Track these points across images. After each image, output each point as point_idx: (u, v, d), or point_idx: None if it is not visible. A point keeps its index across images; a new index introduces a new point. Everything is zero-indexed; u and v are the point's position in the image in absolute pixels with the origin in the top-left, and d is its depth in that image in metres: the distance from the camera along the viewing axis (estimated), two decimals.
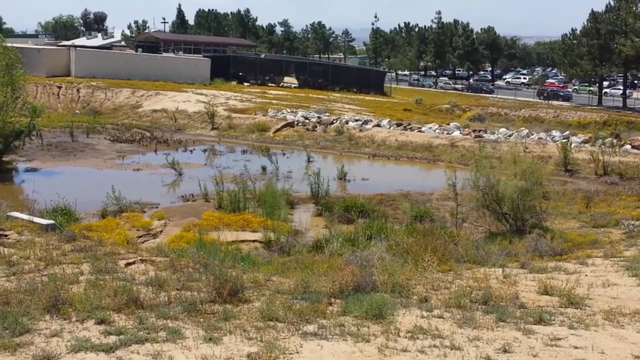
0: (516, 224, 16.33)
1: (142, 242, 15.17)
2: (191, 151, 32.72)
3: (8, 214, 12.86)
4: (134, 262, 9.74)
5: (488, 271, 10.05)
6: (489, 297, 8.10)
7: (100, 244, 11.10)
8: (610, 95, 77.27)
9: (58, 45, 70.86)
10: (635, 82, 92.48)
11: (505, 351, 6.27)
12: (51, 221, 12.16)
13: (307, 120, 39.00)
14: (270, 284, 8.99)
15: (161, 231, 16.81)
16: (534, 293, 8.66)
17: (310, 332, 6.67)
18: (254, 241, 15.55)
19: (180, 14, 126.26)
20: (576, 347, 6.47)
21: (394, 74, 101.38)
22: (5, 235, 10.99)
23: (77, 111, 44.22)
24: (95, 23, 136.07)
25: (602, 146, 29.06)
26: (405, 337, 6.61)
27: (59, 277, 8.19)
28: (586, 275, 9.90)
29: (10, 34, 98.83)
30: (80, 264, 9.36)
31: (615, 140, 30.69)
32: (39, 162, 27.49)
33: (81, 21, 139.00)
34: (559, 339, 6.69)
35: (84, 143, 33.05)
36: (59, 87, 49.15)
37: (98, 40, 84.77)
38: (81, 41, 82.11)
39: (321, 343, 6.38)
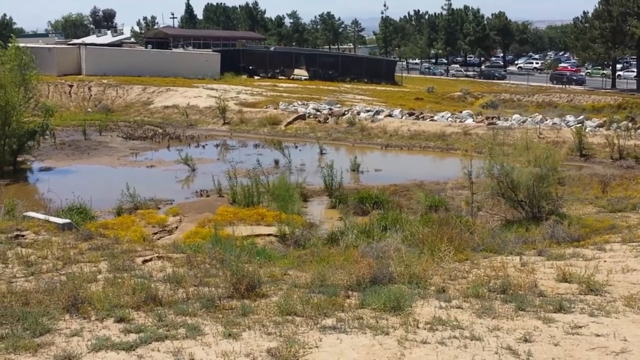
0: (532, 211, 16.17)
1: (158, 239, 15.23)
2: (203, 146, 32.79)
3: (24, 214, 12.95)
4: (151, 259, 9.78)
5: (505, 259, 9.98)
6: (507, 285, 8.04)
7: (117, 241, 11.15)
8: (624, 78, 76.35)
9: (68, 44, 71.14)
10: None
11: (526, 340, 6.22)
12: (67, 220, 12.21)
13: (318, 112, 38.90)
14: (287, 278, 8.99)
15: (176, 227, 16.87)
16: (553, 280, 8.59)
17: (329, 326, 6.65)
18: (269, 235, 15.55)
19: (188, 8, 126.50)
20: (598, 335, 6.40)
21: (404, 63, 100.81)
22: (23, 236, 11.06)
23: (89, 109, 44.44)
24: (104, 20, 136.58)
25: (617, 130, 28.80)
26: (425, 329, 6.57)
27: (77, 276, 8.23)
28: (605, 261, 9.80)
29: (20, 34, 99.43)
30: (98, 262, 9.41)
31: (630, 124, 30.40)
32: (53, 162, 27.67)
33: (90, 19, 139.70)
34: (580, 327, 6.63)
35: (97, 141, 33.21)
36: (71, 86, 49.39)
37: (108, 37, 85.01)
38: (91, 39, 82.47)
39: (340, 337, 6.36)
